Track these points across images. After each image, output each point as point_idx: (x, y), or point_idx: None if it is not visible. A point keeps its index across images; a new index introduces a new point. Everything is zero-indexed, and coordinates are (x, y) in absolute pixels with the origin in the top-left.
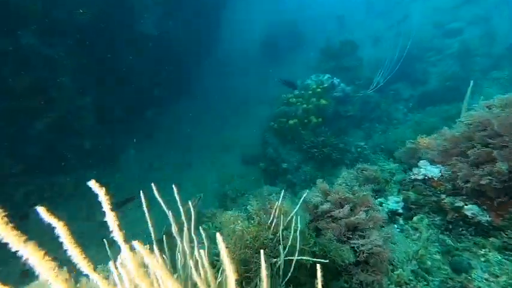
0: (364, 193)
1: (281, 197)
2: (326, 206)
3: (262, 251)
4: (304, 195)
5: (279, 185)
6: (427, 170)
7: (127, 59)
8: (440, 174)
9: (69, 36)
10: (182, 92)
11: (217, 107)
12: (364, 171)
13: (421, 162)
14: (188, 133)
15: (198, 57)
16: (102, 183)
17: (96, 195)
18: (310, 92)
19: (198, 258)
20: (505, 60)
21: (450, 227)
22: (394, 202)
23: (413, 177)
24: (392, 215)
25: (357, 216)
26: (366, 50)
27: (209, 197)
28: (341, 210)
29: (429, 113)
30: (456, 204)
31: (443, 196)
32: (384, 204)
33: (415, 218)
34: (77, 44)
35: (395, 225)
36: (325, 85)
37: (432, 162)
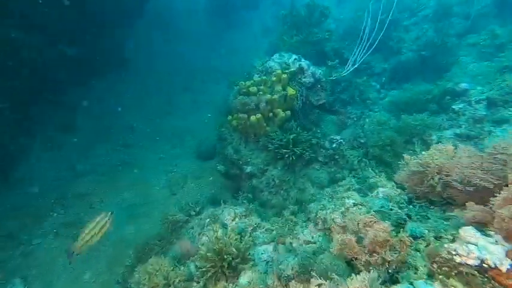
0: None
1: None
2: None
3: None
4: None
5: (242, 196)
6: (482, 249)
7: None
8: (509, 261)
9: None
10: (111, 64)
11: (160, 83)
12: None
13: (466, 232)
14: (125, 120)
15: (129, 16)
16: None
17: None
18: (273, 78)
19: None
20: (483, 20)
21: None
22: None
23: (457, 259)
24: None
25: None
26: (332, 12)
27: (156, 217)
28: None
29: (406, 91)
30: None
31: None
32: None
33: None
34: None
35: None
36: (292, 69)
37: (480, 225)
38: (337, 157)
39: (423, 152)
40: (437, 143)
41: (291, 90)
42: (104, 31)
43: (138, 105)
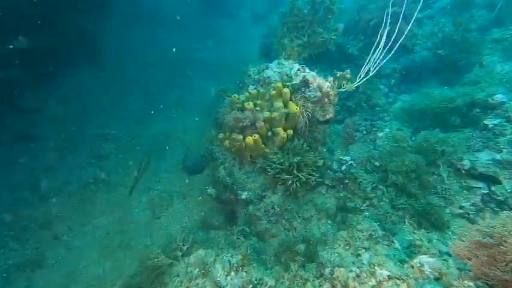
0: None
1: None
2: None
3: None
4: None
5: (237, 230)
6: None
7: None
8: None
9: None
10: (81, 57)
11: (139, 79)
12: None
13: None
14: (98, 125)
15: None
16: None
17: None
18: (273, 91)
19: None
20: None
21: None
22: None
23: None
24: None
25: None
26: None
27: (136, 249)
28: None
29: (422, 97)
30: None
31: None
32: None
33: None
34: None
35: None
36: (295, 82)
37: None
38: (347, 181)
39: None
40: (470, 168)
41: (294, 107)
42: (69, 17)
43: (114, 106)
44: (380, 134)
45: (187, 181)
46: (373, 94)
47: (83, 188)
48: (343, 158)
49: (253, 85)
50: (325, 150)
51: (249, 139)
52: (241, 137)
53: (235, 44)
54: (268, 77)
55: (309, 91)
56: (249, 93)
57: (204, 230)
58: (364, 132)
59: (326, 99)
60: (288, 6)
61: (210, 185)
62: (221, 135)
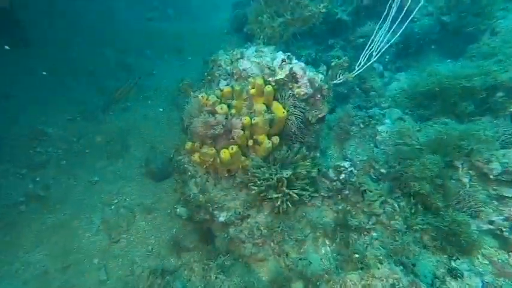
0: None
1: None
2: None
3: None
4: None
5: (216, 264)
6: None
7: None
8: None
9: None
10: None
11: (83, 59)
12: None
13: None
14: (29, 122)
15: None
16: None
17: None
18: (251, 89)
19: None
20: None
21: None
22: None
23: None
24: None
25: None
26: None
27: None
28: None
29: (427, 75)
30: None
31: None
32: None
33: None
34: None
35: None
36: (280, 76)
37: None
38: (347, 192)
39: None
40: (502, 173)
41: (280, 111)
42: None
43: (51, 96)
44: (380, 128)
45: (152, 189)
46: (367, 75)
47: (8, 211)
48: (341, 165)
49: (225, 79)
50: (318, 154)
51: (225, 153)
52: (213, 151)
53: (200, 13)
54: (244, 70)
55: (298, 87)
56: (221, 91)
57: (175, 254)
58: (361, 125)
59: (318, 95)
60: None
61: (179, 204)
62: (188, 144)
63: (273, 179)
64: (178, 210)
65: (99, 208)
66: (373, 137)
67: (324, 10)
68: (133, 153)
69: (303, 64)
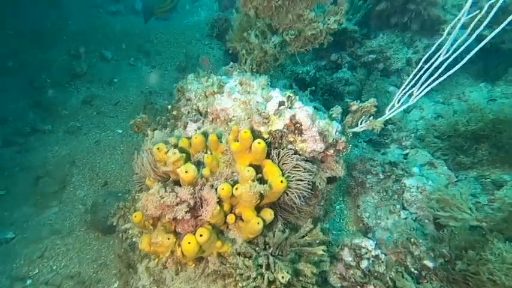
0: None
1: None
2: None
3: None
4: None
5: None
6: None
7: None
8: None
9: None
10: None
11: (18, 64)
12: None
13: None
14: None
15: None
16: None
17: None
18: (232, 140)
19: None
20: None
21: None
22: None
23: None
24: None
25: None
26: None
27: None
28: None
29: (447, 99)
30: None
31: None
32: None
33: None
34: None
35: None
36: (275, 126)
37: None
38: None
39: None
40: None
41: (275, 179)
42: None
43: None
44: (408, 183)
45: (98, 249)
46: (380, 100)
47: None
48: (362, 245)
49: (195, 121)
50: (327, 226)
51: (190, 245)
52: (172, 240)
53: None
54: (223, 110)
55: (302, 141)
56: (189, 139)
57: None
58: (381, 175)
59: (332, 151)
60: None
61: None
62: (137, 217)
63: (261, 281)
64: None
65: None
66: (399, 194)
67: (335, 26)
68: (75, 194)
69: (310, 109)
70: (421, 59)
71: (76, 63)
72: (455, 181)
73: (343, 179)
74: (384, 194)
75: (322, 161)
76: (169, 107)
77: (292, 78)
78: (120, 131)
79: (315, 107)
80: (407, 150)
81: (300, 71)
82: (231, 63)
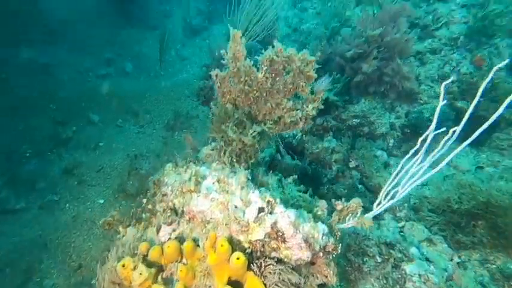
0: None
1: None
2: None
3: None
4: None
5: None
6: None
7: None
8: None
9: None
10: None
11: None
12: None
13: None
14: None
15: None
16: None
17: None
18: (212, 256)
19: None
20: None
21: None
22: None
23: None
24: None
25: None
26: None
27: None
28: None
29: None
30: None
31: None
32: None
33: None
34: None
35: None
36: (255, 236)
37: None
38: None
39: None
40: None
41: None
42: None
43: None
44: (409, 269)
45: None
46: (368, 167)
47: None
48: None
49: (169, 223)
50: None
51: None
52: None
53: (166, 66)
54: (200, 212)
55: (286, 248)
56: (160, 249)
57: None
58: (378, 258)
59: (321, 253)
60: (227, 67)
61: None
62: None
63: None
64: None
65: None
66: (400, 284)
67: (314, 113)
68: (41, 285)
69: (292, 215)
70: (404, 124)
71: (61, 129)
72: (458, 262)
73: (338, 263)
74: (384, 282)
75: (312, 263)
76: (144, 200)
77: (279, 142)
78: (102, 201)
79: (297, 205)
80: (402, 223)
81: (287, 135)
82: (213, 143)
